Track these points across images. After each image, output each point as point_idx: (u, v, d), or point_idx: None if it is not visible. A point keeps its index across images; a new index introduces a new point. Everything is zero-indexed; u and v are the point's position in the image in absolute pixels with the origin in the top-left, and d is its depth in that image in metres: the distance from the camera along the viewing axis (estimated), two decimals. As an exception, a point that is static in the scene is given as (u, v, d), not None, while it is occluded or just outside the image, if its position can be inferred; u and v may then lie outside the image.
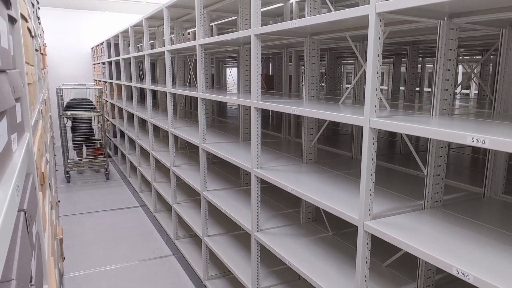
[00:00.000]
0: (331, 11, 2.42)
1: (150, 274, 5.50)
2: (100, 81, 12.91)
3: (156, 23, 7.22)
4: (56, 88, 9.72)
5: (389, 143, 4.97)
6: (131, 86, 8.17)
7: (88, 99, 10.62)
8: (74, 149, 11.08)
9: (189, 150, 7.08)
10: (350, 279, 2.72)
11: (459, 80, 8.55)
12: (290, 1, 4.75)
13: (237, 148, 4.47)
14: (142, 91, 11.26)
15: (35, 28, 3.48)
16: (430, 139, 2.39)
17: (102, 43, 11.40)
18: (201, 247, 4.92)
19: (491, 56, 5.31)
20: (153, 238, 6.78)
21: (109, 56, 10.61)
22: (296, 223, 3.76)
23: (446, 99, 2.37)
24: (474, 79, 5.55)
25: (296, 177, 3.22)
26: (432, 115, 2.38)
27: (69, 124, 10.57)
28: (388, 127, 2.04)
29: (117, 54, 9.73)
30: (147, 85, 6.85)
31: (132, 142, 9.62)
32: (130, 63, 8.83)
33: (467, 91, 8.25)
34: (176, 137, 6.13)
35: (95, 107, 10.56)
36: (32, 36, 2.74)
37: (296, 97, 4.14)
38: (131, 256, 6.07)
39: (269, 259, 4.20)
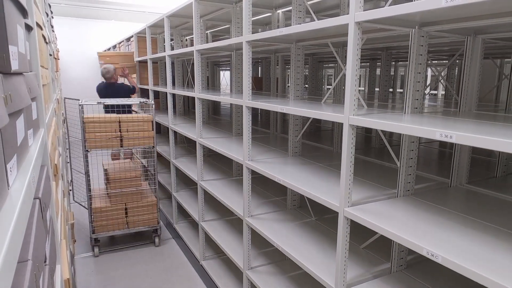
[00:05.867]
0: (315, 20, 2.41)
1: (153, 255, 5.48)
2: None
3: (157, 31, 7.16)
4: (79, 105, 5.12)
5: (366, 138, 4.98)
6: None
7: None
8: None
9: (187, 145, 7.06)
10: (331, 259, 2.73)
11: (428, 81, 8.59)
12: (277, 11, 4.73)
13: (230, 142, 4.46)
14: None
15: (49, 35, 3.44)
16: (403, 134, 2.40)
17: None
18: (198, 231, 4.91)
19: (457, 61, 5.34)
20: (155, 223, 6.73)
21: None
22: (283, 210, 3.77)
23: (417, 99, 2.38)
24: (442, 81, 5.57)
25: (283, 169, 3.22)
26: (405, 113, 2.39)
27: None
28: (366, 124, 2.04)
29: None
30: (150, 87, 6.81)
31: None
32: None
33: (435, 92, 8.29)
34: (175, 133, 6.11)
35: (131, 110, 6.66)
36: (46, 42, 2.71)
37: (283, 97, 4.14)
38: (135, 238, 6.04)
39: (259, 242, 4.20)
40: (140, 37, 7.63)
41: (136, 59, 7.62)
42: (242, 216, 3.59)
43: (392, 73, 6.48)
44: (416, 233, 1.89)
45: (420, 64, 2.33)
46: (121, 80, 7.92)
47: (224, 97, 3.92)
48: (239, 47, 4.27)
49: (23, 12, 1.33)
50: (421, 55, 2.32)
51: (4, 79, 0.84)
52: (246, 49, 3.28)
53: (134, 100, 5.81)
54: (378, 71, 5.87)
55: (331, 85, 5.78)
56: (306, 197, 3.58)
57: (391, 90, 6.43)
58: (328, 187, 2.68)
